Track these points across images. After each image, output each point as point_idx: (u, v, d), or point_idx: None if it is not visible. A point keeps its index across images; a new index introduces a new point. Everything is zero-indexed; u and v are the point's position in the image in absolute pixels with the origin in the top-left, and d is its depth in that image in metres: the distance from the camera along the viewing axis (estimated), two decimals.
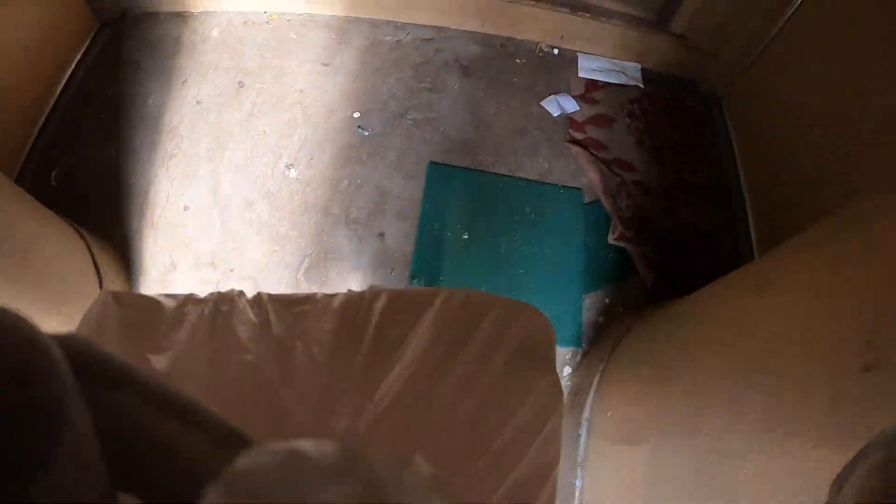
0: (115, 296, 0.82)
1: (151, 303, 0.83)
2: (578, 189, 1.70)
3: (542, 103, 1.82)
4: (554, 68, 1.92)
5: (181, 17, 1.93)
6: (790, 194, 1.58)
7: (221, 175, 1.64)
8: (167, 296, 0.85)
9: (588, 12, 1.85)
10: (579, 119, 1.82)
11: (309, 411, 0.72)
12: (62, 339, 0.33)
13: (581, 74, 1.91)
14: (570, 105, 1.83)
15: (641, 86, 1.93)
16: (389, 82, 1.80)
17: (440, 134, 1.71)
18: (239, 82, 1.79)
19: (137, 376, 0.45)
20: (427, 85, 1.80)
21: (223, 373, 0.74)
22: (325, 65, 1.83)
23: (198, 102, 1.76)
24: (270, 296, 0.84)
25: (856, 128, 1.34)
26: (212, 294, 0.84)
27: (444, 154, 1.68)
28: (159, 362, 0.75)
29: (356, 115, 1.73)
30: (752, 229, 1.75)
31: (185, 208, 1.61)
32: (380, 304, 0.78)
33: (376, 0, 1.87)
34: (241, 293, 0.85)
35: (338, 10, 1.92)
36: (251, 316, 0.80)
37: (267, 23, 1.92)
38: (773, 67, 1.73)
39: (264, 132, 1.70)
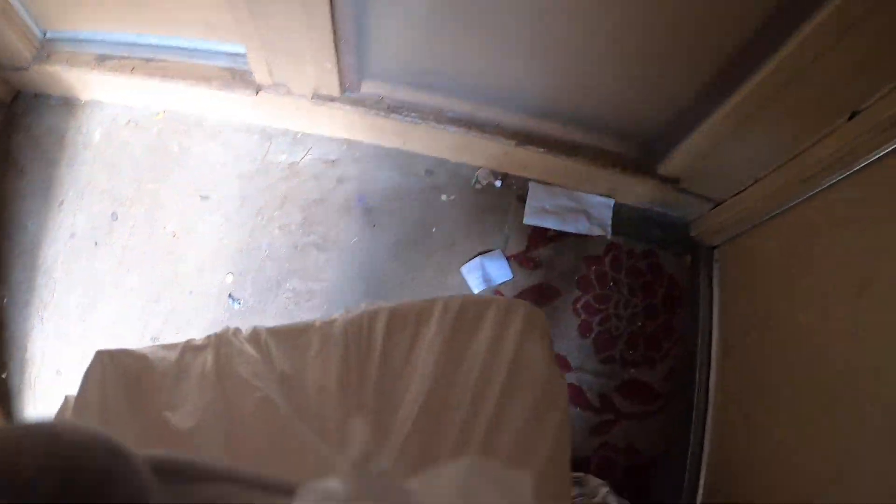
0: (110, 355, 0.80)
1: (146, 359, 0.81)
2: None
3: (463, 269, 1.41)
4: (492, 210, 1.45)
5: (69, 105, 1.63)
6: (764, 416, 1.17)
7: (90, 341, 1.48)
8: (163, 347, 0.84)
9: (544, 147, 1.32)
10: (510, 295, 1.40)
11: (330, 442, 0.73)
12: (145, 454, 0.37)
13: (527, 220, 1.43)
14: (501, 272, 1.40)
15: (609, 237, 1.43)
16: (271, 231, 1.45)
17: (323, 315, 1.39)
18: (112, 213, 1.53)
19: (217, 467, 0.47)
20: (317, 239, 1.44)
21: (241, 416, 0.74)
22: (204, 198, 1.50)
23: (72, 235, 1.54)
24: (268, 330, 0.84)
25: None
26: (209, 338, 0.84)
27: None
28: (181, 420, 0.74)
29: (229, 277, 1.44)
30: (705, 455, 1.36)
31: (58, 373, 1.50)
32: (380, 323, 0.80)
33: (274, 104, 1.42)
34: (237, 331, 0.84)
35: (227, 114, 1.52)
36: (252, 352, 0.80)
37: (152, 122, 1.58)
38: (796, 236, 1.18)
39: (132, 290, 1.48)
